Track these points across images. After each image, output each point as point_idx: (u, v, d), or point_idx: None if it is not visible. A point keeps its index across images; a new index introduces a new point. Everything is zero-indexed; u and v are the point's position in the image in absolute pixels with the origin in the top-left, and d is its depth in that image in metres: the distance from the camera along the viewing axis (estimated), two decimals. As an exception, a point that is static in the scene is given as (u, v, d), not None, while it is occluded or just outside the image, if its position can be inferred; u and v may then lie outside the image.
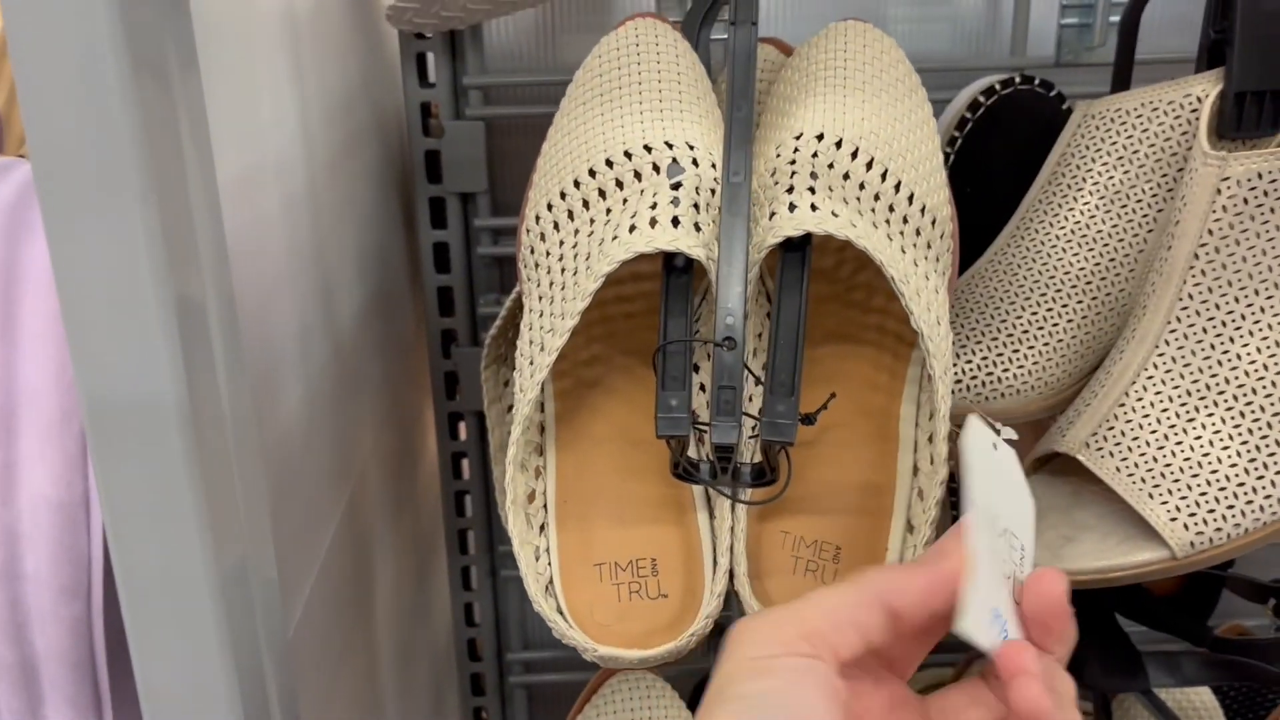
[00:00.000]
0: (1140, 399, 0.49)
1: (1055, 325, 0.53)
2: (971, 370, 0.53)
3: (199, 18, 0.32)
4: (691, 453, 0.45)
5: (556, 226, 0.45)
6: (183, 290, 0.31)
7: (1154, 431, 0.48)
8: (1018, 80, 0.63)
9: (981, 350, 0.54)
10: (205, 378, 0.32)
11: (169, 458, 0.31)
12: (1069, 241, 0.54)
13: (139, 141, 0.28)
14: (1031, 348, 0.53)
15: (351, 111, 0.61)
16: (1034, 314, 0.53)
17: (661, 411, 0.41)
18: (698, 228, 0.42)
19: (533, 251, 0.46)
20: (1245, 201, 0.47)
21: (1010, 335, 0.53)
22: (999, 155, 0.63)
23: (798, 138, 0.44)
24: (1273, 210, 0.46)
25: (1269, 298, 0.47)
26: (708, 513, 0.46)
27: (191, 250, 0.31)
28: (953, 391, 0.53)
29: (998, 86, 0.63)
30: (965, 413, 0.53)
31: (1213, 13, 0.51)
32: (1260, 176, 0.46)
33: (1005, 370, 0.53)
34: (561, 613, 0.44)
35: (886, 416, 0.47)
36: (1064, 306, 0.53)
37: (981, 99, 0.63)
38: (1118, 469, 0.48)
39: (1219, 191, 0.47)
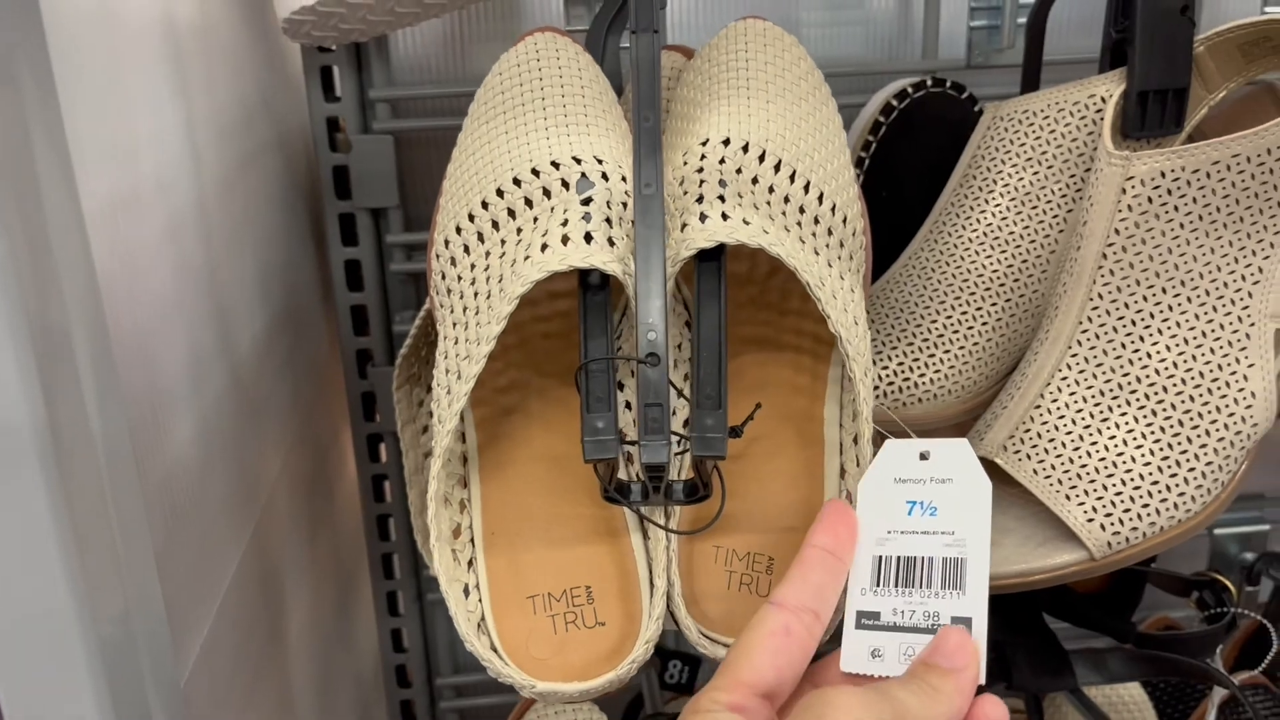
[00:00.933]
0: (1055, 400, 0.48)
1: (970, 328, 0.53)
2: (889, 376, 0.53)
3: (58, 31, 0.30)
4: (621, 473, 0.43)
5: (467, 250, 0.43)
6: (40, 317, 0.29)
7: (1069, 433, 0.48)
8: (929, 83, 0.63)
9: (898, 355, 0.53)
10: (70, 409, 0.30)
11: (29, 495, 0.29)
12: (981, 244, 0.54)
13: (-19, 161, 0.26)
14: (948, 351, 0.53)
15: (250, 128, 0.59)
16: (949, 318, 0.53)
17: (588, 435, 0.40)
18: (611, 243, 0.41)
19: (444, 277, 0.44)
20: (1150, 200, 0.47)
21: (926, 340, 0.53)
22: (913, 158, 0.62)
23: (704, 144, 0.44)
24: (1176, 209, 0.47)
25: (1176, 295, 0.47)
26: (641, 534, 0.44)
27: (50, 274, 0.29)
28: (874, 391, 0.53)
29: (910, 90, 0.63)
30: (882, 421, 0.53)
31: (1114, 13, 0.51)
32: (1164, 175, 0.46)
33: (922, 375, 0.53)
34: (495, 650, 0.42)
35: (809, 420, 0.46)
36: (978, 309, 0.53)
37: (894, 103, 0.63)
38: (1035, 471, 0.48)
39: (1124, 191, 0.47)
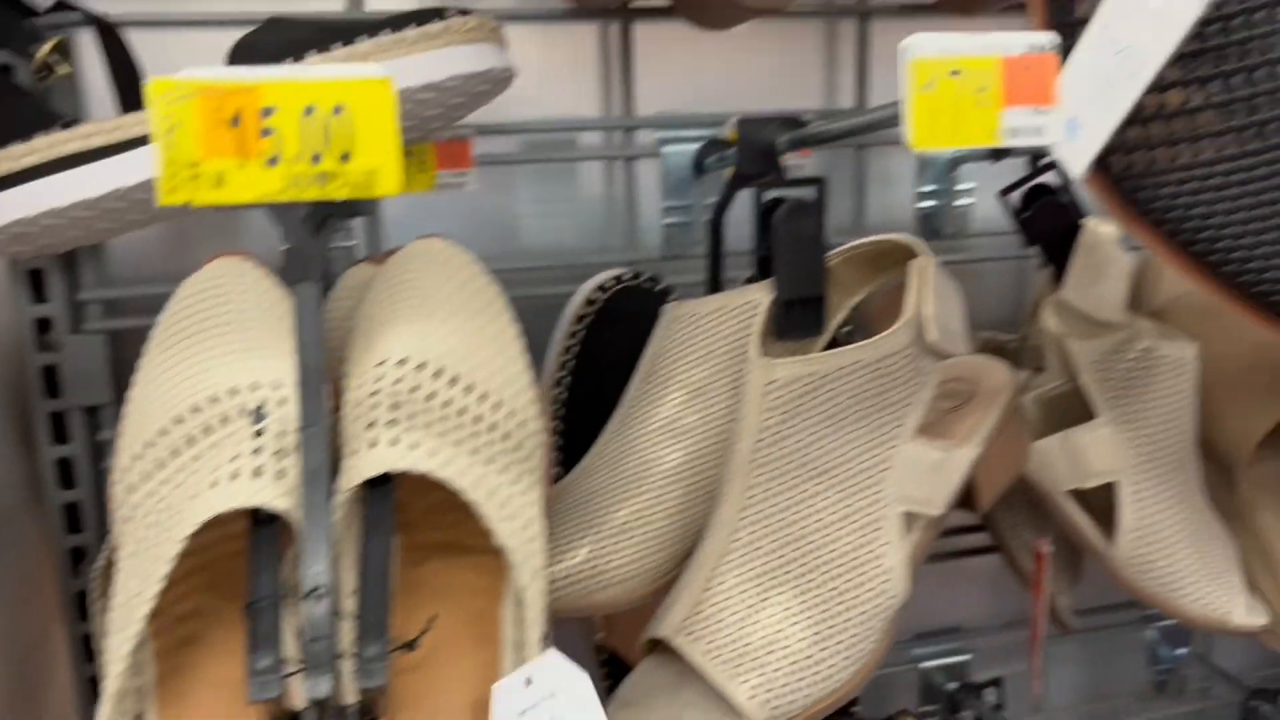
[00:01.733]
0: (723, 583, 0.53)
1: (654, 515, 0.58)
2: (578, 564, 0.57)
3: None
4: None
5: (146, 477, 0.44)
6: None
7: (735, 614, 0.52)
8: (627, 276, 0.69)
9: (588, 544, 0.57)
10: None
11: None
12: (661, 435, 0.59)
13: None
14: (632, 539, 0.57)
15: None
16: (633, 507, 0.58)
17: (253, 675, 0.41)
18: (282, 474, 0.43)
19: (119, 506, 0.45)
20: (789, 401, 0.53)
21: (613, 528, 0.57)
22: (613, 349, 0.67)
23: (380, 364, 0.46)
24: (812, 408, 0.53)
25: (819, 484, 0.53)
26: None
27: None
28: (556, 585, 0.56)
29: (610, 282, 0.68)
30: (568, 607, 0.56)
31: (758, 234, 0.58)
32: (799, 379, 0.53)
33: (610, 562, 0.57)
34: None
35: (489, 621, 0.49)
36: (659, 498, 0.58)
37: (597, 294, 0.68)
38: (705, 653, 0.52)
39: (767, 393, 0.53)
